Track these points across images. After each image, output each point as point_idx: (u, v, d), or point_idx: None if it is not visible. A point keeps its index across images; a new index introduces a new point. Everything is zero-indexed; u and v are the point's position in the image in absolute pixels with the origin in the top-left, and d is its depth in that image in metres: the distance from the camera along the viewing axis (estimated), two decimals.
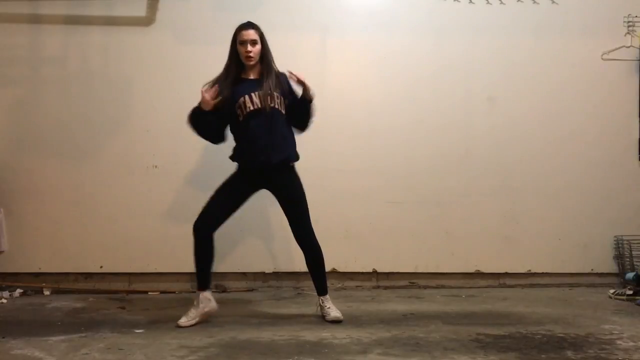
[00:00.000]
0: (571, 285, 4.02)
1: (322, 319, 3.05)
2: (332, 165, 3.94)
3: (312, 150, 3.91)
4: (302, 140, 3.86)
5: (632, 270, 3.81)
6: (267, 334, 2.77)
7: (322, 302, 3.09)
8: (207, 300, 2.99)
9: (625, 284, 3.77)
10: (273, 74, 3.00)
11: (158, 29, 3.89)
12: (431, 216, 3.99)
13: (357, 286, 3.98)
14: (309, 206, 3.89)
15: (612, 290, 3.69)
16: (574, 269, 4.05)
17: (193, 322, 2.93)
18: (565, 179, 4.05)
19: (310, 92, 3.00)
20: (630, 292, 3.58)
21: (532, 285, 4.02)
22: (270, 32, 3.62)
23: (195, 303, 2.98)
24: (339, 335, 2.74)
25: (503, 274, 4.04)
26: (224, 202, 3.01)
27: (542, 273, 4.04)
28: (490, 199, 4.01)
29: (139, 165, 3.87)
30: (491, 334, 2.77)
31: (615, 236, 4.02)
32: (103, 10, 3.87)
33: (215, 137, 3.07)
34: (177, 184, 3.86)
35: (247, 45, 2.95)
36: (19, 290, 3.73)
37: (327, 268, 3.90)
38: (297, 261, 3.85)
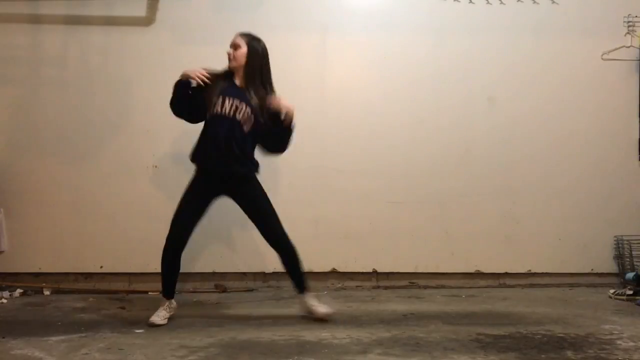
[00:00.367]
0: (571, 285, 4.02)
1: (311, 318, 3.06)
2: (332, 165, 3.94)
3: (312, 150, 3.94)
4: (302, 140, 3.88)
5: (632, 270, 3.81)
6: (267, 334, 2.77)
7: (306, 301, 3.10)
8: (174, 308, 3.10)
9: (625, 284, 3.77)
10: (256, 88, 2.99)
11: (158, 29, 3.89)
12: (431, 216, 3.99)
13: (357, 286, 3.98)
14: (310, 206, 3.93)
15: (612, 290, 3.69)
16: (574, 269, 4.05)
17: (165, 321, 3.00)
18: (565, 179, 4.05)
19: (292, 116, 3.00)
20: (630, 292, 3.58)
21: (532, 285, 4.02)
22: (270, 32, 3.62)
23: (165, 307, 3.06)
24: (339, 335, 2.74)
25: (503, 274, 4.04)
26: (190, 219, 3.02)
27: (542, 273, 4.04)
28: (490, 199, 4.01)
29: (139, 165, 3.86)
30: (491, 334, 2.77)
31: (615, 236, 4.02)
32: (103, 10, 3.87)
33: (186, 114, 3.07)
34: (177, 184, 3.85)
35: (230, 48, 3.02)
36: (19, 290, 3.73)
37: (327, 268, 3.95)
38: None
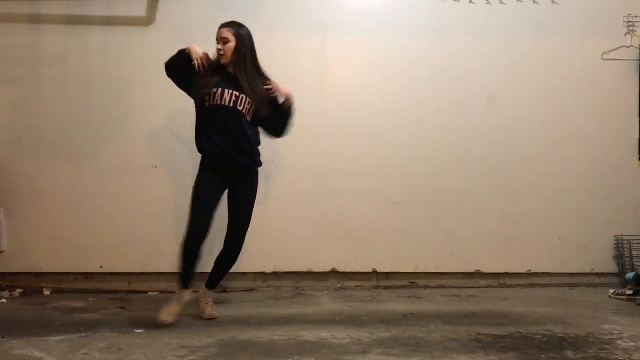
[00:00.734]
0: (571, 285, 4.02)
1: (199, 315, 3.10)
2: (332, 165, 3.94)
3: (312, 150, 3.94)
4: (303, 140, 3.89)
5: (632, 270, 3.82)
6: (267, 334, 2.77)
7: (206, 296, 3.15)
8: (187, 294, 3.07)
9: (625, 284, 3.77)
10: (250, 75, 2.99)
11: (158, 29, 3.89)
12: (431, 216, 3.99)
13: (357, 286, 3.98)
14: (310, 206, 3.93)
15: (612, 290, 3.69)
16: (574, 269, 4.05)
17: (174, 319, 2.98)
18: (565, 179, 4.05)
19: (291, 100, 3.04)
20: (630, 292, 3.58)
21: (532, 285, 4.02)
22: (271, 32, 3.64)
23: (176, 301, 3.03)
24: (339, 335, 2.74)
25: (503, 274, 4.05)
26: (209, 205, 2.98)
27: (542, 273, 4.04)
28: (490, 199, 4.02)
29: (139, 165, 3.86)
30: (491, 334, 2.77)
31: (615, 236, 4.02)
32: (103, 10, 3.87)
33: (176, 80, 3.08)
34: (177, 184, 3.86)
35: (219, 43, 3.01)
36: (19, 290, 3.73)
37: (327, 268, 3.96)
38: (297, 261, 3.87)
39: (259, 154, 3.09)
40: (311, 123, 3.88)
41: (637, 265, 3.84)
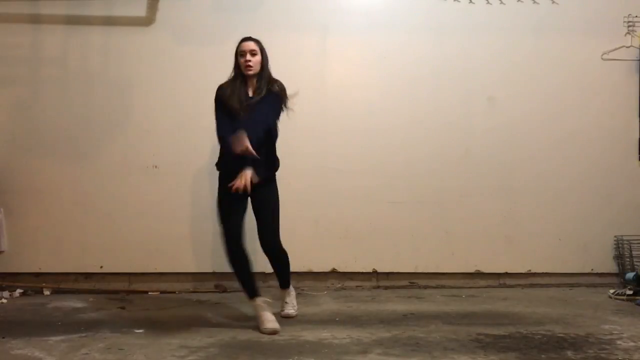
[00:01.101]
0: (571, 285, 4.02)
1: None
2: (332, 165, 3.94)
3: (312, 150, 3.94)
4: (303, 140, 3.89)
5: (632, 270, 3.81)
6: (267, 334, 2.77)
7: (283, 296, 3.19)
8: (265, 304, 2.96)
9: (625, 284, 3.77)
10: (266, 88, 2.97)
11: (158, 29, 3.88)
12: (431, 216, 3.99)
13: (357, 286, 3.98)
14: (310, 206, 3.93)
15: (612, 290, 3.69)
16: (574, 269, 4.05)
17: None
18: (566, 179, 4.05)
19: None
20: (630, 292, 3.58)
21: (532, 285, 4.02)
22: (271, 32, 3.63)
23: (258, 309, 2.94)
24: (339, 335, 2.74)
25: (503, 274, 4.04)
26: (237, 209, 2.96)
27: (542, 273, 4.04)
28: (490, 199, 4.01)
29: (139, 165, 3.86)
30: (491, 334, 2.77)
31: (615, 236, 4.02)
32: (103, 10, 3.87)
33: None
34: (177, 184, 3.86)
35: (246, 55, 2.96)
36: (19, 290, 3.73)
37: (327, 268, 3.96)
38: (297, 261, 3.84)
39: (276, 160, 3.07)
40: (311, 123, 3.88)
41: (637, 265, 3.84)
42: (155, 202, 3.85)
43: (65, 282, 3.83)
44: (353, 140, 3.96)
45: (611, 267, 4.04)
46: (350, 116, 3.96)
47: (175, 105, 3.85)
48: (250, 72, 2.97)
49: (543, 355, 2.45)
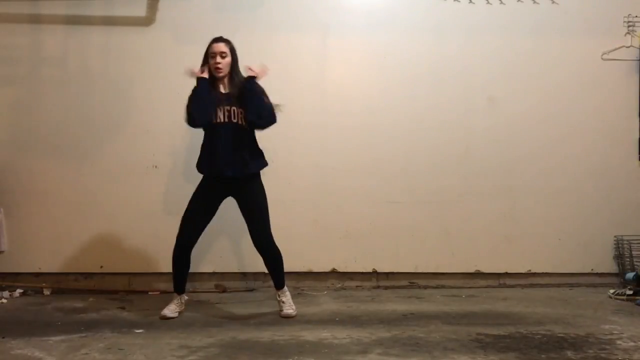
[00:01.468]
0: (571, 285, 4.02)
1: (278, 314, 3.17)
2: (332, 165, 3.94)
3: (312, 149, 3.94)
4: (302, 139, 3.89)
5: (632, 270, 3.81)
6: (267, 334, 2.77)
7: (279, 297, 3.21)
8: (184, 303, 3.22)
9: (625, 284, 3.77)
10: (237, 86, 3.04)
11: (158, 29, 3.89)
12: (431, 216, 3.99)
13: (357, 286, 3.98)
14: (310, 206, 3.92)
15: (612, 290, 3.69)
16: (574, 269, 4.05)
17: (176, 314, 3.13)
18: (565, 179, 4.05)
19: (255, 72, 3.03)
20: (630, 292, 3.58)
21: (532, 285, 4.02)
22: (271, 32, 3.64)
23: (176, 301, 3.18)
24: (339, 335, 2.74)
25: (503, 274, 4.04)
26: (197, 220, 3.11)
27: (542, 273, 4.04)
28: (490, 198, 4.01)
29: (139, 165, 3.86)
30: (491, 334, 2.77)
31: (615, 236, 4.02)
32: (103, 10, 3.87)
33: (208, 115, 3.02)
34: (177, 184, 3.86)
35: (216, 57, 3.02)
36: (19, 290, 3.73)
37: (327, 268, 3.96)
38: (297, 261, 3.86)
39: (260, 157, 3.13)
40: (311, 122, 3.88)
41: (637, 265, 3.84)
42: (155, 202, 3.85)
43: (65, 282, 3.83)
44: (353, 140, 3.96)
45: (611, 267, 4.04)
46: (350, 115, 3.96)
47: (175, 105, 3.84)
48: (220, 75, 3.04)
49: (543, 355, 2.45)
